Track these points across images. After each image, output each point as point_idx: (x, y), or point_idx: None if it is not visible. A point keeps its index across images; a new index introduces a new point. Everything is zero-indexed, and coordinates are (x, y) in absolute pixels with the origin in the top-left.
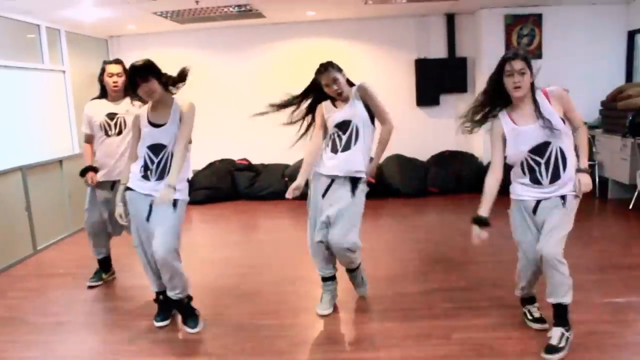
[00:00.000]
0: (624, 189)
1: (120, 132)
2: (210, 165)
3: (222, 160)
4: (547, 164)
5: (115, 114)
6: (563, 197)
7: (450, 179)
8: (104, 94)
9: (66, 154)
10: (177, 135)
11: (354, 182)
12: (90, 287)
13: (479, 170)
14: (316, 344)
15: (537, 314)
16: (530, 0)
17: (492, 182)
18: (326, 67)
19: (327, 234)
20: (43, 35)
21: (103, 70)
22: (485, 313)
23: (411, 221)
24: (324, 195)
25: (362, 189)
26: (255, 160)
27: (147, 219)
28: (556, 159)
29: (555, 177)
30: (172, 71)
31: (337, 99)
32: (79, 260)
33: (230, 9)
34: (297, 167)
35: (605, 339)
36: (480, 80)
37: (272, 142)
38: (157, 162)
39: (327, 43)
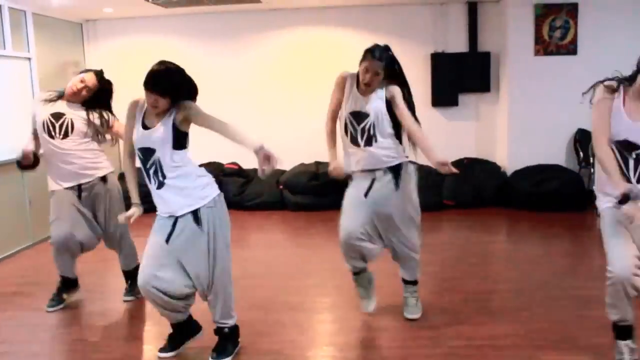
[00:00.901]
0: None
1: (66, 136)
2: None
3: (210, 164)
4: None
5: (63, 114)
6: None
7: (469, 191)
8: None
9: None
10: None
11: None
12: (50, 312)
13: (502, 182)
14: None
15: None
16: None
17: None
18: (379, 56)
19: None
20: (5, 17)
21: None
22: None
23: (423, 239)
24: (366, 195)
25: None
26: (246, 165)
27: (167, 240)
28: None
29: None
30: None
31: (362, 87)
32: (37, 276)
33: None
34: (295, 173)
35: None
36: (505, 78)
37: (266, 145)
38: (148, 167)
39: (330, 32)
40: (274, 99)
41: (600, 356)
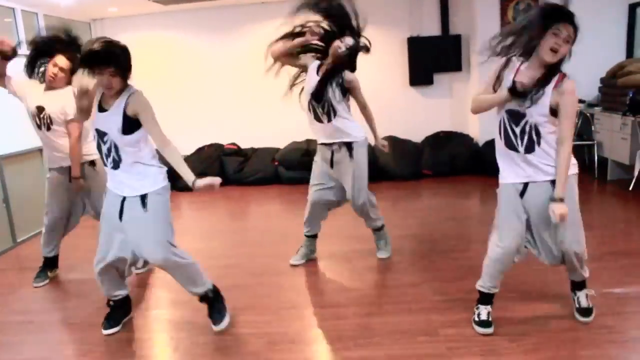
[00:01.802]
0: (623, 169)
1: (49, 128)
2: (199, 150)
3: (211, 145)
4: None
5: (43, 109)
6: None
7: (445, 161)
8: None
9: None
10: (151, 136)
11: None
12: (38, 287)
13: (475, 152)
14: (295, 342)
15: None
16: None
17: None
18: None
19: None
20: (19, 19)
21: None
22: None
23: (404, 206)
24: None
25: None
26: (244, 145)
27: (120, 217)
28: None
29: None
30: (159, 55)
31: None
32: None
33: None
34: (288, 150)
35: (603, 334)
36: (475, 58)
37: (261, 126)
38: (105, 149)
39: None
40: (267, 84)
41: (568, 306)
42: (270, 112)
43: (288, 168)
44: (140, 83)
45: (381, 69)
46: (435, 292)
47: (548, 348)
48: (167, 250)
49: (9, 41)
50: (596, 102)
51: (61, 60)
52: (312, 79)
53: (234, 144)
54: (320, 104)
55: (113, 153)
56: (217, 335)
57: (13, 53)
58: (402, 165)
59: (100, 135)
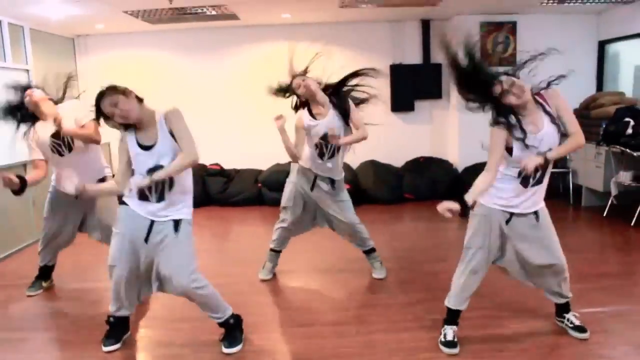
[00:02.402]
0: (597, 196)
1: (71, 149)
2: None
3: None
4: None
5: (58, 133)
6: None
7: (426, 185)
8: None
9: (30, 158)
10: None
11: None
12: (30, 295)
13: (454, 177)
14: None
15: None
16: (505, 9)
17: (486, 181)
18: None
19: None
20: (5, 32)
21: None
22: (473, 324)
23: (388, 229)
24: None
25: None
26: (227, 166)
27: (146, 240)
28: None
29: None
30: (142, 74)
31: (311, 102)
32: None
33: (205, 9)
34: (271, 172)
35: (592, 349)
36: (454, 87)
37: (245, 148)
38: (154, 185)
39: (302, 46)
40: (251, 106)
41: (554, 324)
42: (254, 134)
43: (271, 189)
44: None
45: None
46: (429, 311)
47: None
48: (190, 277)
49: (12, 177)
50: None
51: (36, 93)
52: (321, 121)
53: (217, 164)
54: (329, 145)
55: (166, 184)
56: (220, 355)
57: (23, 186)
58: (383, 189)
59: (153, 171)
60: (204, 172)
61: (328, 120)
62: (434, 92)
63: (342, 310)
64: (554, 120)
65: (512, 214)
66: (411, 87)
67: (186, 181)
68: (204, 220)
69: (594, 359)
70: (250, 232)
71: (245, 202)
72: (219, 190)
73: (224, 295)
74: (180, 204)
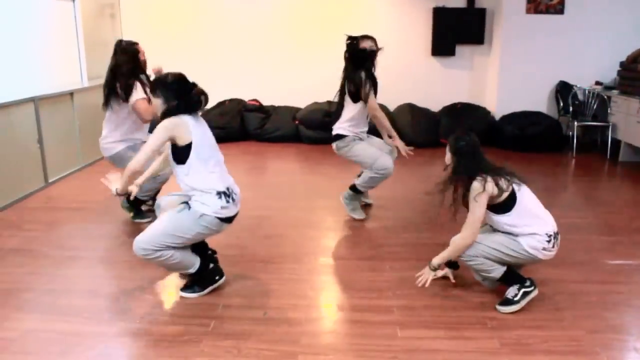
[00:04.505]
0: (635, 152)
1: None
2: (220, 104)
3: (232, 100)
4: None
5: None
6: None
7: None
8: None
9: (76, 87)
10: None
11: None
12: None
13: (490, 125)
14: (333, 289)
15: None
16: None
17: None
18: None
19: None
20: None
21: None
22: None
23: (424, 171)
24: None
25: None
26: (266, 102)
27: None
28: None
29: None
30: (183, 8)
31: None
32: (88, 195)
33: None
34: (309, 110)
35: (618, 299)
36: (498, 32)
37: (283, 84)
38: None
39: None
40: (290, 42)
41: (586, 272)
42: (292, 71)
43: (309, 127)
44: (167, 35)
45: (404, 37)
46: None
47: (574, 308)
48: (140, 246)
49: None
50: (614, 85)
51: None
52: None
53: (255, 100)
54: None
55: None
56: (264, 280)
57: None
58: (419, 132)
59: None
60: (243, 108)
61: None
62: (477, 38)
63: (376, 247)
64: None
65: None
66: (453, 31)
67: (189, 181)
68: (242, 155)
69: (624, 308)
70: (285, 168)
71: (282, 139)
72: (256, 126)
73: (260, 229)
74: (193, 197)
